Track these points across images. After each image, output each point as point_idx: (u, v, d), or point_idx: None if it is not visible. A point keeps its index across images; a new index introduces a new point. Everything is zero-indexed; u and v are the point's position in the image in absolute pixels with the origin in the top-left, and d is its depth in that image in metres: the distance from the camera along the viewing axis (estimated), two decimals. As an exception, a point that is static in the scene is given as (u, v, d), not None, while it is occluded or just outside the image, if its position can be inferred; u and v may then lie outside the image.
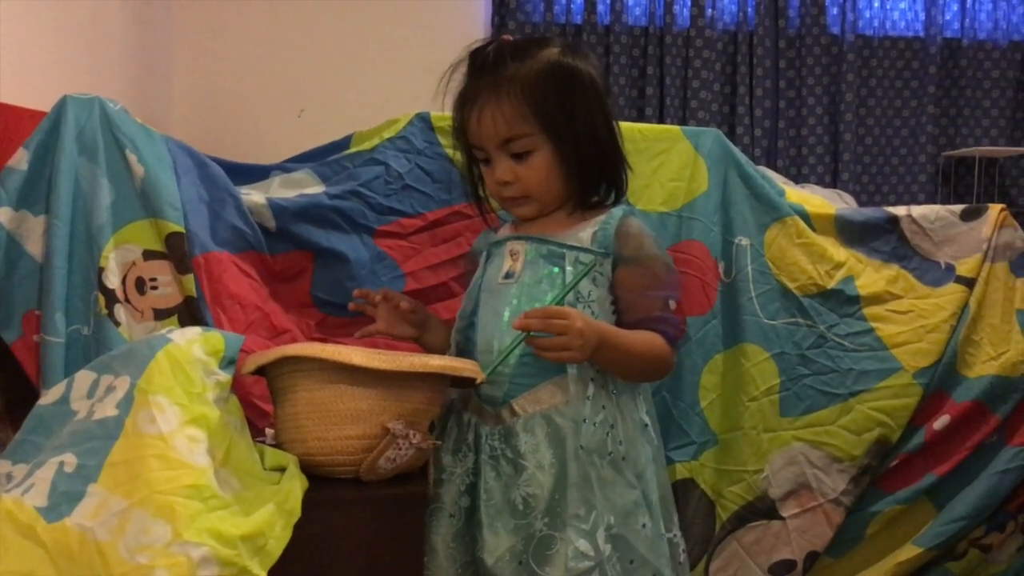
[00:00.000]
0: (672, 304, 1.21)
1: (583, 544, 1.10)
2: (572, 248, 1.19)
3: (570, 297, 1.17)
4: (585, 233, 1.20)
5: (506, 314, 1.19)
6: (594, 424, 1.14)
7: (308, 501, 1.02)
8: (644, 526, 1.15)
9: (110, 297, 1.26)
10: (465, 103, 1.20)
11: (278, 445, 1.12)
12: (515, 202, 1.22)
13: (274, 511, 0.98)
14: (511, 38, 1.22)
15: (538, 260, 1.20)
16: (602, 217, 1.21)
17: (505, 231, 1.29)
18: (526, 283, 1.19)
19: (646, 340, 1.17)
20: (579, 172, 1.21)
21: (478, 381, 1.13)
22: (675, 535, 1.22)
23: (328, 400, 1.07)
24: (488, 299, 1.22)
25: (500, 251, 1.25)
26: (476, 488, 1.16)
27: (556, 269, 1.19)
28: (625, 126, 1.39)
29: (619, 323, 1.20)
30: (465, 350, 1.23)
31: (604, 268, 1.20)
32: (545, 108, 1.16)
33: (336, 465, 1.08)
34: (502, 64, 1.17)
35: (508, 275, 1.21)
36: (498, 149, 1.18)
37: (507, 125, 1.16)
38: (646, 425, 1.20)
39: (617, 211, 1.22)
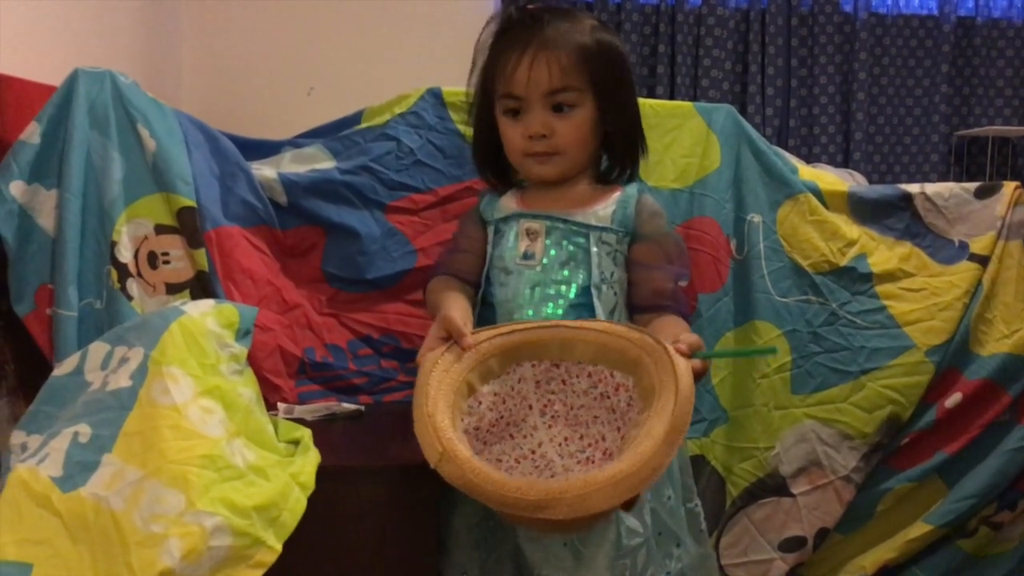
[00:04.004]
0: (683, 283, 1.21)
1: (632, 522, 1.10)
2: (595, 228, 1.18)
3: (596, 279, 1.16)
4: (605, 212, 1.19)
5: (526, 294, 1.18)
6: None
7: (321, 474, 1.03)
8: (669, 498, 1.16)
9: (122, 271, 1.26)
10: (508, 48, 1.17)
11: None
12: (540, 159, 1.19)
13: (288, 483, 0.98)
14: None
15: (561, 241, 1.19)
16: (617, 195, 1.21)
17: (510, 203, 1.26)
18: (549, 265, 1.18)
19: (679, 329, 1.09)
20: (606, 143, 1.21)
21: None
22: (695, 504, 1.23)
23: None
24: (504, 279, 1.21)
25: (510, 228, 1.23)
26: None
27: (581, 251, 1.18)
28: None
29: (628, 299, 1.19)
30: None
31: (623, 247, 1.20)
32: (597, 68, 1.16)
33: None
34: (554, 21, 1.17)
35: (527, 256, 1.19)
36: (541, 99, 1.16)
37: (561, 75, 1.15)
38: None
39: (631, 189, 1.22)
